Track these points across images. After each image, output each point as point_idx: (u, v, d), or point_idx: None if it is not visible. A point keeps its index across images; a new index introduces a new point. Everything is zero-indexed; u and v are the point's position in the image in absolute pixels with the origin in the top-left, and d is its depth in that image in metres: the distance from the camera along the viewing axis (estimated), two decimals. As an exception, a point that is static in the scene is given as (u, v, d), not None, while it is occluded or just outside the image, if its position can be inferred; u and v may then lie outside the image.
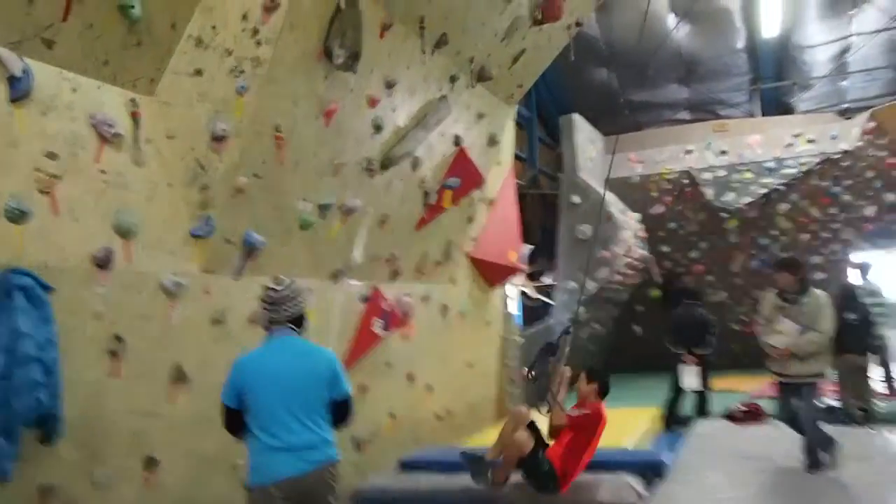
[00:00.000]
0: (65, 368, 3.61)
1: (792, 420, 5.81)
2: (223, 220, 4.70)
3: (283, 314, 3.37)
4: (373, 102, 5.73)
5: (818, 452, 5.62)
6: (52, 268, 3.71)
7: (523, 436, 4.90)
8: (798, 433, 5.77)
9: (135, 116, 4.33)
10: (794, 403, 5.67)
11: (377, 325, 6.30)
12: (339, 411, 3.37)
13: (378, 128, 5.89)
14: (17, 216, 3.58)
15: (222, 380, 4.33)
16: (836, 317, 7.68)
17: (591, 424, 4.96)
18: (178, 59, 4.54)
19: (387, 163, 6.13)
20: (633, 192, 13.05)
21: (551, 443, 5.11)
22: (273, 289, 3.41)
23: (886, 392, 8.70)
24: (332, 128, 5.39)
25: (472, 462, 4.97)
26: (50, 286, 3.60)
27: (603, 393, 5.20)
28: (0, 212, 3.52)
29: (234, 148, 4.61)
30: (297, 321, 3.45)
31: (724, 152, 13.16)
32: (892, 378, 8.87)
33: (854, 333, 7.64)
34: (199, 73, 4.56)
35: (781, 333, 5.61)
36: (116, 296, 4.06)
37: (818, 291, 5.75)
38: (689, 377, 8.18)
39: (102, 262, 3.98)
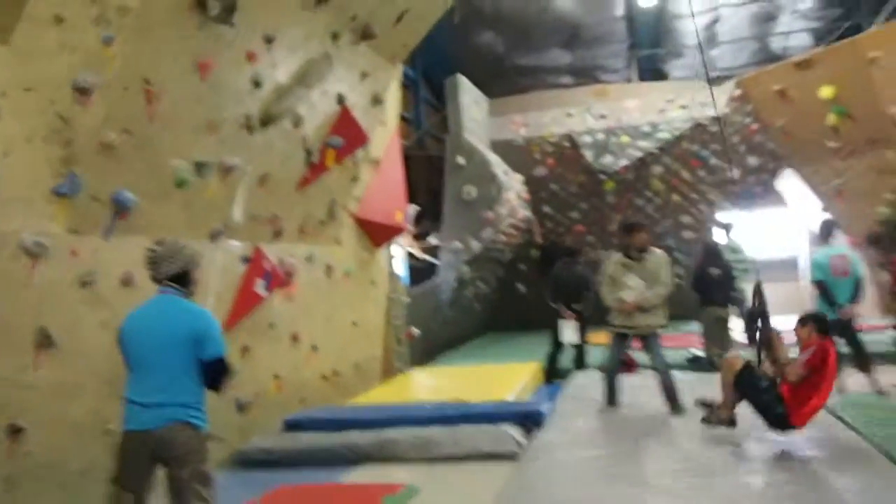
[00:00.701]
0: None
1: (614, 370, 6.38)
2: (91, 177, 4.47)
3: (160, 273, 3.48)
4: (252, 57, 5.57)
5: (678, 397, 6.10)
6: None
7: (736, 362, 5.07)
8: (610, 384, 6.37)
9: (-13, 66, 4.03)
10: (621, 355, 6.40)
11: (259, 286, 6.21)
12: (210, 373, 3.39)
13: (257, 84, 5.74)
14: None
15: (92, 344, 4.22)
16: (700, 272, 8.34)
17: (820, 361, 4.87)
18: (36, 5, 4.24)
19: (267, 120, 5.99)
20: (516, 155, 13.37)
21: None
22: (152, 249, 3.52)
23: (746, 342, 9.43)
24: (209, 83, 5.21)
25: (704, 406, 5.39)
26: None
27: (821, 330, 5.06)
28: None
29: (101, 102, 4.38)
30: (179, 280, 3.50)
31: (603, 116, 13.65)
32: (751, 328, 9.60)
33: (717, 287, 8.23)
34: (59, 20, 4.27)
35: (631, 289, 6.07)
36: (-28, 256, 3.83)
37: (658, 250, 6.37)
38: (568, 332, 8.55)
39: (-45, 221, 3.74)
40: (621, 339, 6.34)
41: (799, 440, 4.97)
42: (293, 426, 6.25)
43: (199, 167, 5.39)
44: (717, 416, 5.20)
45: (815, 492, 3.95)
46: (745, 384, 5.00)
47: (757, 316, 5.40)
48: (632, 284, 6.14)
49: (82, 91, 4.31)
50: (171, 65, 4.80)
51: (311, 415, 6.48)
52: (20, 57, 4.18)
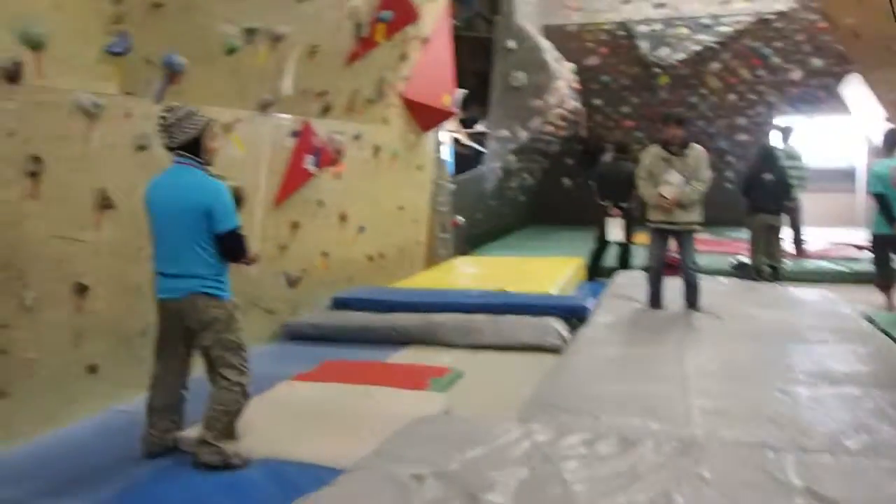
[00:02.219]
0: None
1: (659, 267, 6.25)
2: (140, 37, 4.29)
3: (173, 140, 3.39)
4: (303, -81, 5.26)
5: (698, 297, 6.12)
6: (-48, 78, 3.34)
7: None
8: (654, 284, 6.27)
9: (36, -89, 3.80)
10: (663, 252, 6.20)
11: (308, 162, 6.10)
12: (223, 245, 3.40)
13: (311, -53, 5.43)
14: None
15: (148, 208, 4.15)
16: (752, 177, 8.02)
17: None
18: None
19: (318, -13, 5.70)
20: (569, 41, 12.76)
21: None
22: (163, 115, 3.40)
23: (795, 252, 9.22)
24: (260, -56, 4.93)
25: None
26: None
27: None
28: None
29: (153, -43, 4.16)
30: (189, 148, 3.41)
31: (661, 5, 12.88)
32: (801, 239, 9.37)
33: (769, 194, 7.92)
34: None
35: (671, 184, 5.88)
36: (29, 113, 3.72)
37: (697, 146, 6.09)
38: (614, 230, 8.40)
39: (12, 75, 3.60)
40: (661, 235, 6.18)
41: (844, 352, 4.85)
42: (341, 304, 6.30)
43: (249, 33, 5.18)
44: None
45: (857, 405, 3.84)
46: None
47: None
48: (671, 180, 5.93)
49: (133, -56, 4.08)
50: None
51: (358, 294, 6.51)
52: None
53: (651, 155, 6.11)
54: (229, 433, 3.43)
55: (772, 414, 3.74)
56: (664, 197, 5.92)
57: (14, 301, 3.72)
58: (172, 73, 4.60)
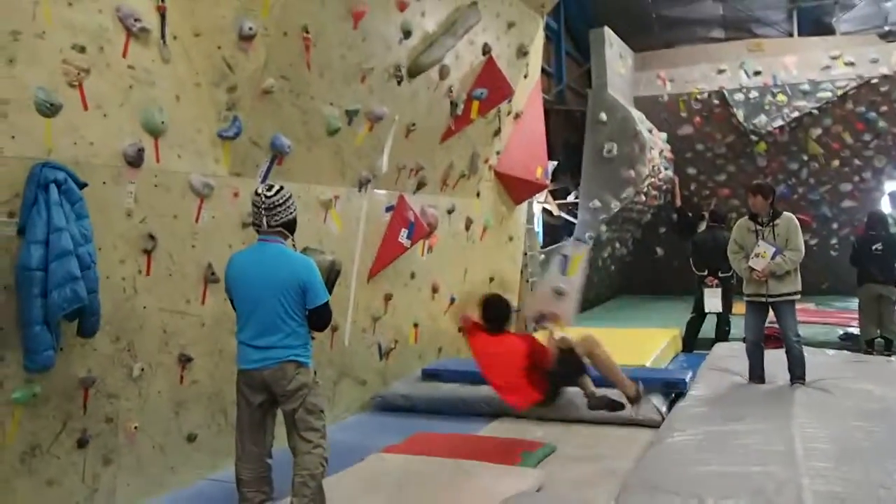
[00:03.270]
0: (99, 264, 3.63)
1: (758, 340, 6.02)
2: (250, 122, 4.62)
3: (273, 220, 3.51)
4: (402, 6, 5.56)
5: (803, 369, 5.84)
6: (82, 163, 3.68)
7: None
8: (755, 355, 6.03)
9: (160, 11, 4.20)
10: (761, 326, 5.99)
11: (403, 236, 6.28)
12: (312, 318, 3.55)
13: (407, 33, 5.72)
14: (47, 109, 3.52)
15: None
16: (861, 245, 7.68)
17: None
18: (203, -49, 4.37)
19: (415, 70, 5.97)
20: (661, 111, 12.76)
21: None
22: (265, 195, 3.51)
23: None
24: (360, 31, 5.23)
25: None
26: (83, 181, 3.58)
27: None
28: (30, 104, 3.46)
29: (261, 48, 4.48)
30: (287, 227, 3.58)
31: (757, 73, 12.72)
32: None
33: (879, 262, 7.56)
34: (224, -34, 4.39)
35: (761, 256, 5.75)
36: (146, 194, 4.04)
37: (787, 213, 5.97)
38: (712, 299, 8.17)
39: (133, 160, 3.94)
40: (757, 307, 5.97)
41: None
42: (431, 375, 6.33)
43: (349, 115, 5.46)
44: None
45: None
46: None
47: None
48: (762, 251, 5.78)
49: (245, 37, 4.42)
50: (326, 12, 4.84)
51: (448, 365, 6.54)
52: (189, 2, 4.34)
53: (740, 227, 6.04)
54: (318, 499, 3.47)
55: (891, 500, 3.47)
56: (754, 270, 5.78)
57: (123, 371, 3.95)
58: (278, 154, 4.90)
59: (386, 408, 5.96)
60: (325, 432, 3.56)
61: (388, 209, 6.23)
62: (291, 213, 3.56)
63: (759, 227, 5.88)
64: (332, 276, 4.04)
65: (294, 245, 3.66)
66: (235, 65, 4.46)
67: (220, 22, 4.40)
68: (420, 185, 6.69)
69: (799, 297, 5.91)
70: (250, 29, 4.41)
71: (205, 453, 4.39)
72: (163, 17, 4.20)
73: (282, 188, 3.57)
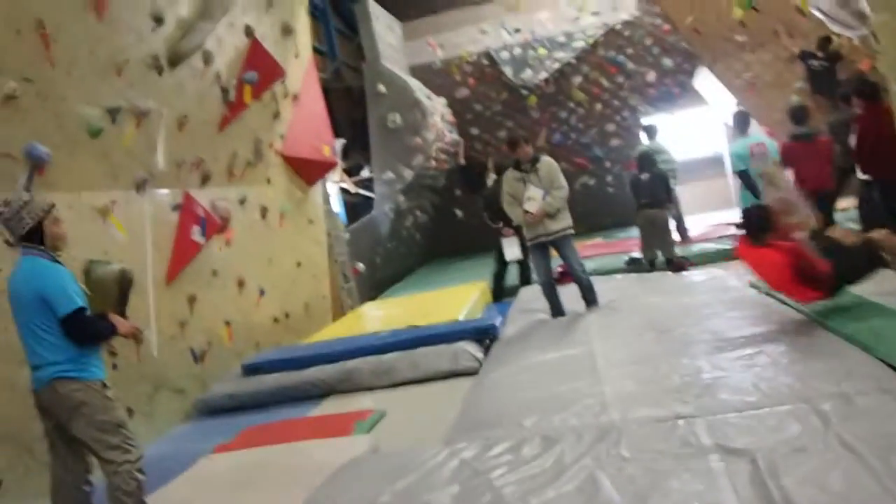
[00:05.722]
0: None
1: (549, 279, 6.48)
2: (-1, 132, 4.19)
3: (14, 235, 3.34)
4: (149, -8, 5.27)
5: (595, 295, 6.40)
6: None
7: None
8: (550, 296, 6.49)
9: None
10: (547, 264, 6.39)
11: (195, 233, 6.01)
12: (66, 328, 3.30)
13: (159, 20, 5.44)
14: None
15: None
16: (634, 177, 8.47)
17: None
18: None
19: (175, 58, 5.70)
20: (436, 78, 13.18)
21: None
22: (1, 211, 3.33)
23: (680, 240, 9.70)
24: (107, 22, 4.89)
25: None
26: None
27: None
28: None
29: (-7, 50, 4.07)
30: (31, 237, 3.34)
31: (517, 30, 13.50)
32: (684, 227, 9.88)
33: (648, 191, 8.37)
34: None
35: (532, 199, 6.17)
36: None
37: (546, 157, 6.46)
38: (511, 248, 8.58)
39: None
40: (540, 249, 6.40)
41: (736, 319, 5.14)
42: (252, 370, 6.15)
43: (112, 113, 5.10)
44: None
45: (753, 363, 4.08)
46: None
47: None
48: (532, 195, 6.19)
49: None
50: (62, 3, 4.48)
51: (268, 357, 6.39)
52: None
53: (507, 179, 6.41)
54: None
55: (679, 386, 3.92)
56: (529, 213, 6.17)
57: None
58: (38, 164, 4.48)
59: (211, 411, 5.72)
60: (129, 445, 3.34)
61: (174, 208, 5.91)
62: (27, 222, 3.29)
63: (524, 175, 6.26)
64: (123, 285, 3.80)
65: (54, 256, 3.38)
66: (-35, 71, 4.01)
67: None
68: (205, 179, 6.41)
69: (573, 231, 6.38)
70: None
71: (13, 497, 3.98)
72: None
73: (14, 199, 3.37)
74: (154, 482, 3.70)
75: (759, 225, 4.88)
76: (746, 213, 5.24)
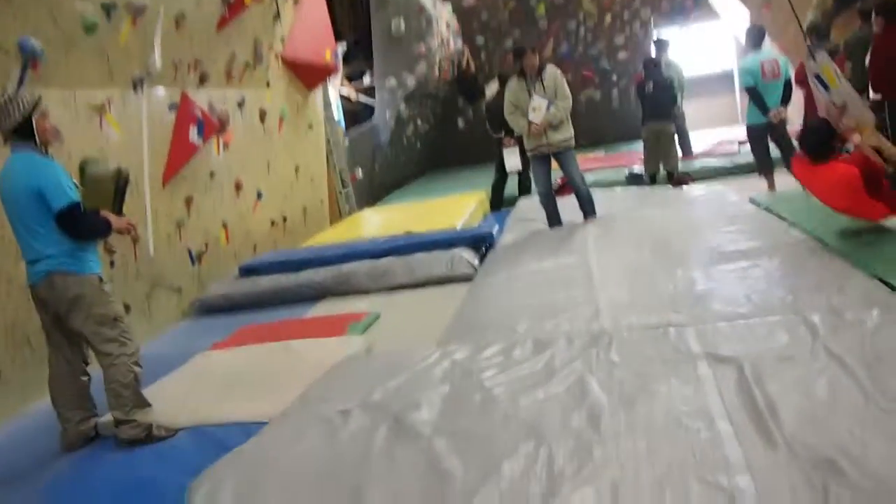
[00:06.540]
0: None
1: (548, 189, 6.46)
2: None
3: (1, 129, 3.28)
4: None
5: (593, 206, 6.40)
6: None
7: None
8: (548, 207, 6.49)
9: None
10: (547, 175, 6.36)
11: (192, 134, 5.93)
12: (61, 223, 3.29)
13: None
14: None
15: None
16: (639, 89, 8.31)
17: None
18: None
19: (172, -49, 5.48)
20: (443, -17, 12.74)
21: None
22: None
23: (682, 155, 9.59)
24: None
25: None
26: None
27: None
28: None
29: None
30: (22, 133, 3.28)
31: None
32: (688, 143, 9.77)
33: (653, 101, 8.22)
34: None
35: (537, 109, 6.08)
36: None
37: (551, 66, 6.33)
38: (512, 158, 8.51)
39: None
40: (542, 160, 6.36)
41: (733, 233, 5.14)
42: (249, 271, 6.21)
43: (106, 9, 4.94)
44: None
45: (747, 275, 4.12)
46: None
47: None
48: (536, 105, 6.11)
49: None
50: None
51: (265, 259, 6.44)
52: None
53: (511, 88, 6.30)
54: (139, 404, 3.37)
55: (673, 296, 3.97)
56: (533, 122, 6.09)
57: None
58: (31, 60, 4.37)
59: (207, 311, 5.80)
60: (125, 338, 3.38)
61: (171, 108, 5.82)
62: (15, 117, 3.22)
63: (528, 84, 6.15)
64: (119, 185, 3.75)
65: (45, 150, 3.34)
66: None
67: None
68: (202, 80, 6.27)
69: (574, 143, 6.32)
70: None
71: (13, 388, 4.08)
72: None
73: (1, 93, 3.30)
74: (150, 377, 3.77)
75: (824, 138, 4.53)
76: (808, 128, 4.88)
